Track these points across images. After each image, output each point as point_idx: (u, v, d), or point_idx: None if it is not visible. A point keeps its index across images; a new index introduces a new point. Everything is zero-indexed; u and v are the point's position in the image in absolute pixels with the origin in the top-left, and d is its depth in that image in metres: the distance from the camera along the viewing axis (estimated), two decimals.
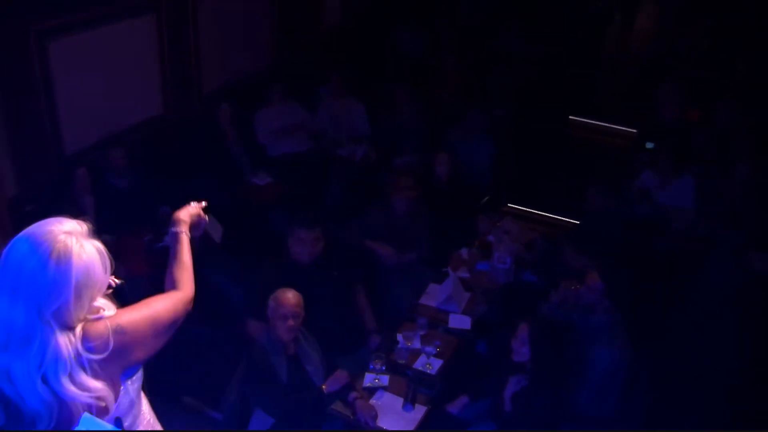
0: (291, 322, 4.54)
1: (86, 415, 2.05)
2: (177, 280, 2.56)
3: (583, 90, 10.15)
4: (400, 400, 4.72)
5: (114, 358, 2.14)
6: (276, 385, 4.55)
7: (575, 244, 5.79)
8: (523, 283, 6.09)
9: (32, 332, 2.02)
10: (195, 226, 2.90)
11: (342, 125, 8.51)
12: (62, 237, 2.06)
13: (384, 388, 4.82)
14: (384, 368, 4.87)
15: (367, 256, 6.24)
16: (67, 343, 2.04)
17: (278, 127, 8.17)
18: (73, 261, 2.05)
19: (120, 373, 2.22)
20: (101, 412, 2.12)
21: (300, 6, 9.60)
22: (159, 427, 2.54)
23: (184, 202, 6.33)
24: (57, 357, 2.02)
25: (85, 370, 2.07)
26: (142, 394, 2.46)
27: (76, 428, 2.03)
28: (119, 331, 2.16)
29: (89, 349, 2.08)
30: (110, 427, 2.10)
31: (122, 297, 2.38)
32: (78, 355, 2.06)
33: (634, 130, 8.97)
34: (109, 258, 2.21)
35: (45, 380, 2.01)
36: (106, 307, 2.24)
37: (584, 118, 10.17)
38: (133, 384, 2.32)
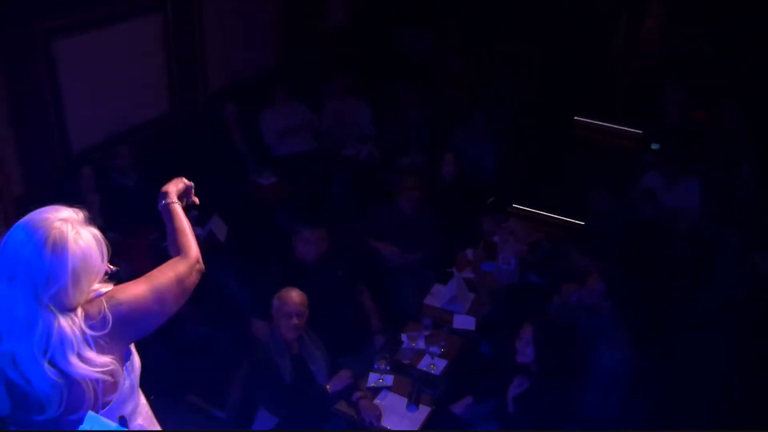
0: (295, 321, 4.54)
1: (91, 413, 2.05)
2: (180, 247, 2.58)
3: (589, 90, 10.14)
4: (404, 401, 4.73)
5: (118, 332, 2.15)
6: (280, 385, 4.56)
7: (580, 245, 5.79)
8: (527, 284, 6.09)
9: (33, 317, 2.03)
10: (183, 195, 2.87)
11: (347, 125, 8.51)
12: (58, 224, 2.07)
13: (388, 388, 4.83)
14: (388, 368, 4.88)
15: (372, 256, 6.25)
16: (70, 324, 2.05)
17: (283, 127, 8.17)
18: (69, 247, 2.05)
19: (127, 346, 2.25)
20: (109, 389, 2.13)
21: (305, 6, 9.60)
22: (155, 420, 2.53)
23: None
24: (62, 338, 2.03)
25: (90, 347, 2.08)
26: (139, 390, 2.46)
27: (81, 426, 2.04)
28: (115, 304, 2.17)
29: (92, 327, 2.09)
30: (114, 425, 2.10)
31: (117, 282, 2.38)
32: (83, 333, 2.07)
33: (640, 131, 8.95)
34: (107, 245, 2.21)
35: (53, 363, 2.02)
36: (103, 288, 2.24)
37: (589, 118, 10.15)
38: (133, 369, 2.32)
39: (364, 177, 7.93)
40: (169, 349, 5.89)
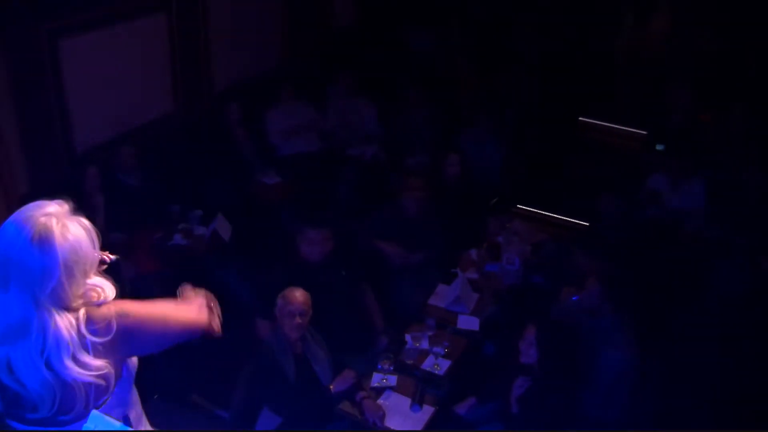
0: (298, 320, 4.54)
1: (95, 412, 2.06)
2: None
3: (593, 91, 10.13)
4: (408, 401, 4.73)
5: (117, 343, 2.14)
6: (283, 384, 4.56)
7: (584, 246, 5.78)
8: (531, 285, 6.09)
9: (30, 319, 2.02)
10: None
11: (352, 125, 8.51)
12: (42, 219, 2.04)
13: (392, 389, 4.83)
14: (392, 368, 4.88)
15: (376, 257, 6.25)
16: (67, 325, 2.04)
17: (288, 127, 8.18)
18: (56, 241, 2.02)
19: (122, 361, 2.22)
20: (101, 391, 2.12)
21: (311, 5, 9.60)
22: (145, 419, 2.53)
23: (193, 201, 6.35)
24: (58, 340, 2.02)
25: (88, 351, 2.06)
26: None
27: (85, 426, 2.04)
28: (123, 315, 2.15)
29: (93, 332, 2.08)
30: (118, 424, 2.10)
31: (117, 272, 2.38)
32: (82, 337, 2.06)
33: (644, 132, 8.95)
34: (96, 233, 2.19)
35: (48, 364, 2.02)
36: (105, 287, 2.21)
37: (594, 119, 10.14)
38: (129, 374, 2.32)
39: (368, 177, 7.92)
40: (172, 349, 5.90)
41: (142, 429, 2.39)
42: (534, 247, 6.44)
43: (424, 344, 5.20)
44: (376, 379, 4.87)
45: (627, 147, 9.37)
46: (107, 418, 2.07)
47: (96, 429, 2.04)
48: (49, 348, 2.02)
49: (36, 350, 2.02)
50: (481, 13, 10.70)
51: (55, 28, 6.32)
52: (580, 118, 10.17)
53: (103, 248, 2.28)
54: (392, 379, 4.87)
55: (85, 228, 2.13)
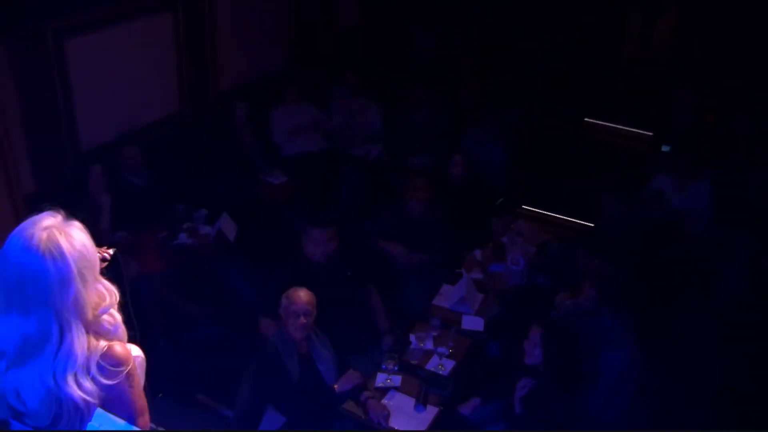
0: (303, 320, 4.55)
1: (99, 410, 2.06)
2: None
3: (599, 92, 10.12)
4: (412, 401, 4.73)
5: (112, 393, 2.11)
6: (288, 384, 4.57)
7: (589, 246, 5.78)
8: (536, 285, 6.08)
9: (48, 335, 2.01)
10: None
11: (356, 125, 8.51)
12: (45, 234, 2.02)
13: (396, 389, 4.83)
14: (396, 368, 4.88)
15: (381, 257, 6.25)
16: (84, 345, 2.03)
17: (293, 127, 8.18)
18: (66, 251, 2.02)
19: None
20: (83, 416, 2.09)
21: (316, 5, 9.61)
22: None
23: (198, 200, 6.36)
24: (68, 355, 2.01)
25: (92, 379, 2.05)
26: None
27: (89, 424, 2.04)
28: (124, 380, 2.13)
29: (101, 368, 2.06)
30: (123, 423, 2.11)
31: (117, 267, 2.38)
32: (90, 365, 2.05)
33: (650, 133, 8.93)
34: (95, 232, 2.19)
35: (54, 377, 2.01)
36: (110, 289, 2.19)
37: (599, 120, 10.13)
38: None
39: (373, 177, 7.93)
40: (177, 348, 5.91)
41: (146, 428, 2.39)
42: (539, 248, 6.43)
43: (429, 344, 5.20)
44: (381, 379, 4.87)
45: (632, 148, 9.36)
46: (112, 416, 2.08)
47: (101, 427, 2.04)
48: (59, 360, 2.01)
49: (47, 365, 2.01)
50: (486, 13, 10.70)
51: (61, 28, 6.33)
52: (586, 119, 10.15)
53: (101, 245, 2.29)
54: (396, 379, 4.87)
55: (83, 230, 2.12)
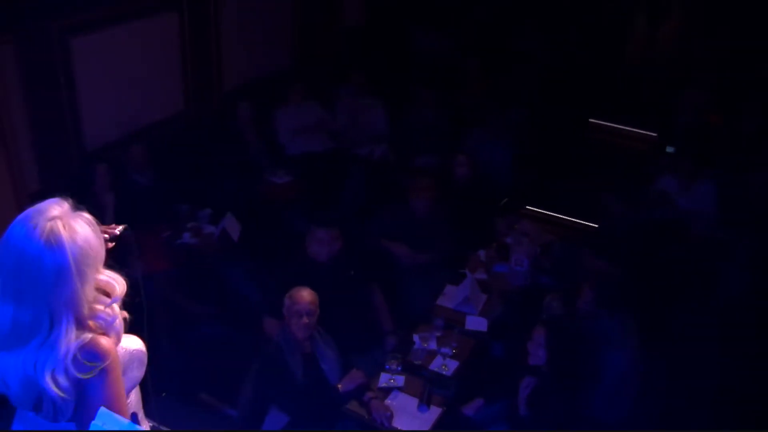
0: (306, 320, 4.55)
1: (103, 409, 2.06)
2: None
3: (603, 93, 10.11)
4: (416, 401, 4.72)
5: (86, 389, 2.05)
6: (291, 383, 4.57)
7: (593, 247, 5.78)
8: (540, 286, 6.07)
9: (40, 325, 2.00)
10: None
11: (361, 125, 8.51)
12: (49, 225, 1.99)
13: (399, 389, 4.82)
14: (400, 369, 4.87)
15: (385, 257, 6.25)
16: (67, 343, 2.00)
17: (297, 126, 8.18)
18: (66, 246, 1.98)
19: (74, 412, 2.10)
20: (59, 411, 2.08)
21: (321, 5, 9.62)
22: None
23: (202, 200, 6.34)
24: (53, 347, 1.99)
25: (67, 375, 2.01)
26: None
27: (93, 423, 2.04)
28: (102, 373, 2.06)
29: (75, 361, 2.01)
30: (126, 422, 2.11)
31: (128, 244, 2.37)
32: (67, 358, 2.01)
33: (654, 134, 8.92)
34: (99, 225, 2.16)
35: (35, 367, 2.00)
36: (116, 281, 2.17)
37: (604, 120, 10.12)
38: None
39: (377, 177, 7.93)
40: (181, 347, 5.92)
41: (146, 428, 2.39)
42: (543, 248, 6.43)
43: (432, 345, 5.19)
44: (384, 380, 4.87)
45: (637, 149, 9.35)
46: (116, 416, 2.07)
47: (104, 426, 2.04)
48: (42, 352, 2.00)
49: (30, 355, 2.00)
50: (489, 14, 10.69)
51: (66, 27, 6.34)
52: (589, 120, 10.14)
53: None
54: (400, 380, 4.87)
55: (89, 224, 2.09)
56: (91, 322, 2.09)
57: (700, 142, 7.50)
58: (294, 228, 6.59)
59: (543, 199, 8.08)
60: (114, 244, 2.28)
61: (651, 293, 5.65)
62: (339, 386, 4.69)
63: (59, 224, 2.00)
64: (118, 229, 2.38)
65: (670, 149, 7.77)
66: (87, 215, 2.11)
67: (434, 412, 4.67)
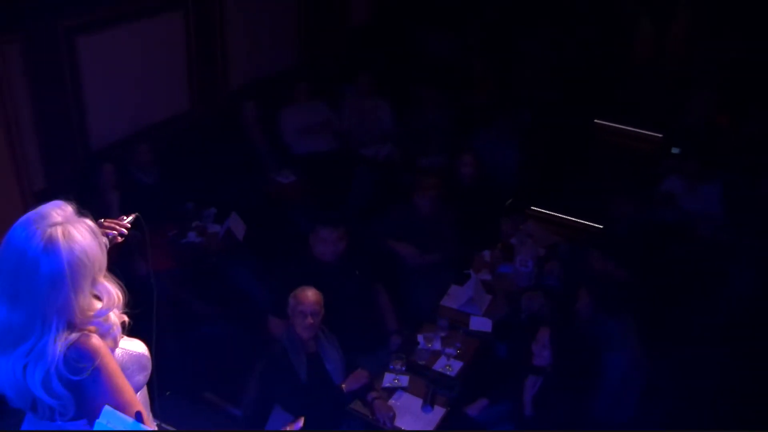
0: (310, 320, 4.55)
1: (107, 408, 2.06)
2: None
3: (610, 93, 10.10)
4: (419, 401, 4.72)
5: (78, 390, 2.05)
6: (295, 383, 4.57)
7: (602, 248, 5.77)
8: (544, 287, 6.06)
9: (31, 331, 2.00)
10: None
11: (367, 125, 8.50)
12: (49, 231, 1.99)
13: (403, 389, 4.83)
14: (404, 369, 4.87)
15: (390, 256, 6.25)
16: (56, 350, 2.00)
17: (303, 126, 8.18)
18: (62, 256, 1.99)
19: (77, 411, 2.08)
20: (59, 414, 2.08)
21: (327, 4, 9.62)
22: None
23: (208, 199, 6.34)
24: (42, 354, 1.99)
25: (59, 380, 2.02)
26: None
27: (98, 422, 2.05)
28: (96, 368, 2.05)
29: (66, 361, 2.01)
30: (131, 421, 2.11)
31: (141, 230, 2.42)
32: (57, 362, 2.00)
33: (660, 135, 8.90)
34: (102, 231, 2.17)
35: (24, 372, 2.01)
36: (110, 293, 2.16)
37: (610, 121, 10.10)
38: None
39: (383, 177, 7.93)
40: (186, 347, 5.92)
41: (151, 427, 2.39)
42: (548, 249, 6.42)
43: (437, 345, 5.20)
44: (388, 380, 4.87)
45: (643, 149, 9.33)
46: (120, 414, 2.08)
47: (109, 425, 2.05)
48: (31, 358, 2.00)
49: (19, 360, 2.01)
50: (497, 14, 10.68)
51: (72, 26, 6.35)
52: (596, 120, 10.13)
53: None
54: (404, 380, 4.87)
55: (91, 232, 2.09)
56: (79, 329, 2.09)
57: (706, 143, 7.49)
58: (299, 228, 6.59)
59: (548, 199, 8.07)
60: (123, 239, 2.29)
61: (656, 294, 5.65)
62: (343, 386, 4.69)
63: (59, 231, 2.01)
64: (128, 220, 2.38)
65: (676, 150, 7.76)
66: (89, 222, 2.11)
67: (438, 412, 4.67)
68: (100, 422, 2.04)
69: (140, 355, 2.33)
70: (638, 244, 6.20)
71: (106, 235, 2.36)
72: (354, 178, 7.99)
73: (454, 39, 10.27)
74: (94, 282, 2.11)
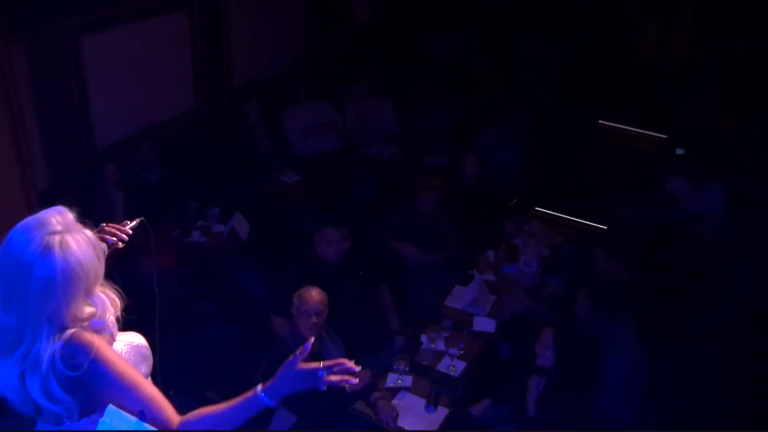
0: (314, 320, 4.54)
1: (111, 407, 2.06)
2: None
3: (614, 94, 10.08)
4: (423, 402, 4.72)
5: (82, 384, 2.06)
6: None
7: (607, 249, 5.76)
8: (548, 288, 6.06)
9: (22, 338, 2.01)
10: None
11: (371, 125, 8.50)
12: (45, 241, 2.00)
13: (407, 389, 4.83)
14: (407, 369, 4.88)
15: (392, 257, 6.24)
16: (51, 353, 2.01)
17: (307, 126, 8.18)
18: (56, 266, 1.99)
19: (90, 405, 2.10)
20: (62, 417, 2.10)
21: (331, 4, 9.62)
22: None
23: (211, 198, 6.34)
24: (36, 362, 2.00)
25: (59, 382, 2.03)
26: None
27: (101, 421, 2.05)
28: (97, 359, 2.06)
29: (63, 360, 2.02)
30: (134, 420, 2.11)
31: (146, 234, 2.41)
32: (54, 363, 2.01)
33: (664, 136, 8.89)
34: (100, 241, 2.17)
35: (22, 379, 2.02)
36: (105, 303, 2.17)
37: (614, 122, 10.09)
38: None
39: (386, 177, 7.92)
40: (189, 346, 5.92)
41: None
42: (551, 250, 6.42)
43: (440, 345, 5.19)
44: (392, 380, 4.87)
45: (646, 150, 9.31)
46: (124, 413, 2.08)
47: (112, 424, 2.05)
48: (27, 365, 2.01)
49: (15, 366, 2.02)
50: (501, 14, 10.68)
51: (76, 25, 6.36)
52: (600, 121, 10.11)
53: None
54: (407, 380, 4.87)
55: (88, 242, 2.08)
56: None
57: (710, 144, 7.47)
58: (303, 227, 6.58)
59: (552, 200, 8.05)
60: (124, 245, 2.29)
61: (657, 295, 5.64)
62: (346, 386, 4.68)
63: (56, 240, 2.01)
64: (131, 225, 2.39)
65: (680, 151, 7.74)
66: (88, 232, 2.11)
67: (441, 412, 4.67)
68: (104, 421, 2.04)
69: (140, 346, 2.33)
70: (639, 244, 6.20)
71: (106, 241, 2.36)
72: (357, 178, 7.99)
73: (455, 39, 10.27)
74: (88, 292, 2.11)
